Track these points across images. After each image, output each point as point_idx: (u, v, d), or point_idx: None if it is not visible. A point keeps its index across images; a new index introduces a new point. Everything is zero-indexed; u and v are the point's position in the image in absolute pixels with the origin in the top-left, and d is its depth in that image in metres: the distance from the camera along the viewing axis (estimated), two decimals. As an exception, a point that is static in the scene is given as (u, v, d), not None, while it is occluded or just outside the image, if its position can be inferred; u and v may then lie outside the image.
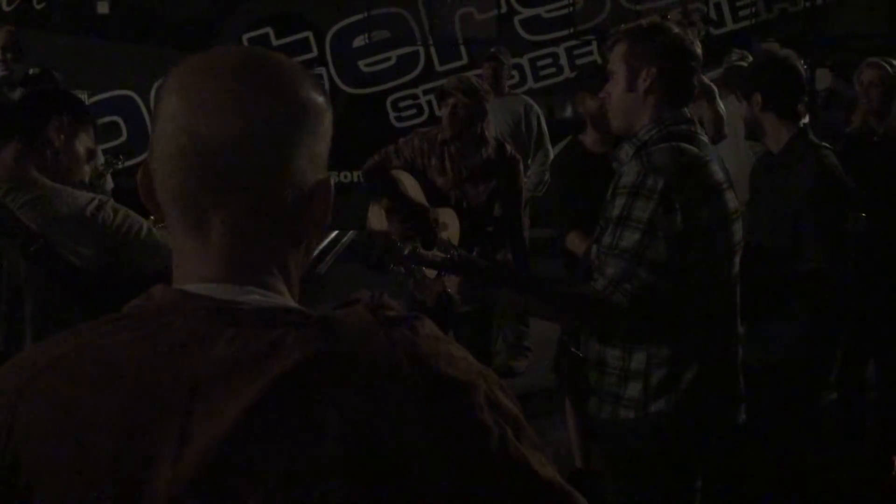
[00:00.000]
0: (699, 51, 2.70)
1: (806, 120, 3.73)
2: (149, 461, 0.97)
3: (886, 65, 4.61)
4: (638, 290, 2.48)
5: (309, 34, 9.63)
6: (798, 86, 3.70)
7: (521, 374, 6.44)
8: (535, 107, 6.94)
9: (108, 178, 6.18)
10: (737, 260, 2.70)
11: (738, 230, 2.67)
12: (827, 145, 3.75)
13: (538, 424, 5.35)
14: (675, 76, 2.64)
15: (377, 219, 4.66)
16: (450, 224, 4.42)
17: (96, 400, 1.00)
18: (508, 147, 4.74)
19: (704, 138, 2.71)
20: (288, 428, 0.96)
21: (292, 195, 1.06)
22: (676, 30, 2.69)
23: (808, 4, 9.17)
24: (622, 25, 2.81)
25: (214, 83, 1.05)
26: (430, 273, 4.43)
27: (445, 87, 4.48)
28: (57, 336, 1.09)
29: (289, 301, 1.09)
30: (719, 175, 2.62)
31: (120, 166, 6.24)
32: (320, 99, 1.10)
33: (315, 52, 9.64)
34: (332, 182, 1.12)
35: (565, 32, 9.39)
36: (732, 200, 2.66)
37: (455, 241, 4.35)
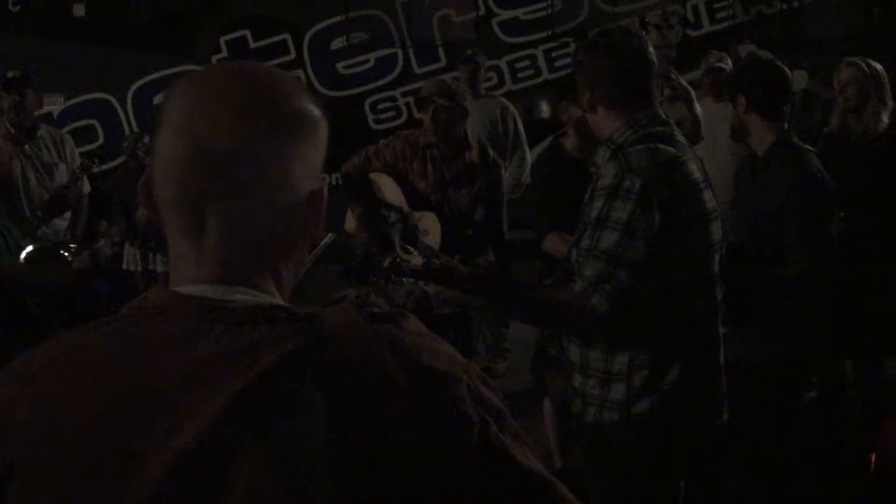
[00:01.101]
0: (651, 56, 2.71)
1: (788, 124, 3.76)
2: (138, 454, 0.99)
3: (864, 65, 4.63)
4: (617, 291, 2.48)
5: (287, 36, 9.61)
6: (783, 88, 3.73)
7: (501, 376, 6.45)
8: (512, 108, 6.95)
9: (85, 180, 6.15)
10: (716, 259, 2.71)
11: (716, 229, 2.68)
12: (810, 147, 3.78)
13: (517, 425, 5.38)
14: (619, 89, 2.66)
15: (355, 222, 4.65)
16: (431, 228, 4.42)
17: (88, 397, 1.04)
18: (491, 151, 4.74)
19: (681, 138, 2.72)
20: (274, 417, 0.98)
21: (287, 202, 1.11)
22: (622, 39, 2.69)
23: (784, 7, 9.22)
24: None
25: (215, 94, 1.10)
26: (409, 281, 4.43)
27: (424, 93, 4.46)
28: (58, 337, 1.13)
29: (278, 301, 1.12)
30: (697, 175, 2.63)
31: (95, 169, 6.20)
32: (316, 111, 1.15)
33: (293, 55, 9.61)
34: (326, 191, 1.16)
35: (543, 35, 9.41)
36: (710, 200, 2.67)
37: (436, 245, 4.35)
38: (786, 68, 3.83)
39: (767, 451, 3.80)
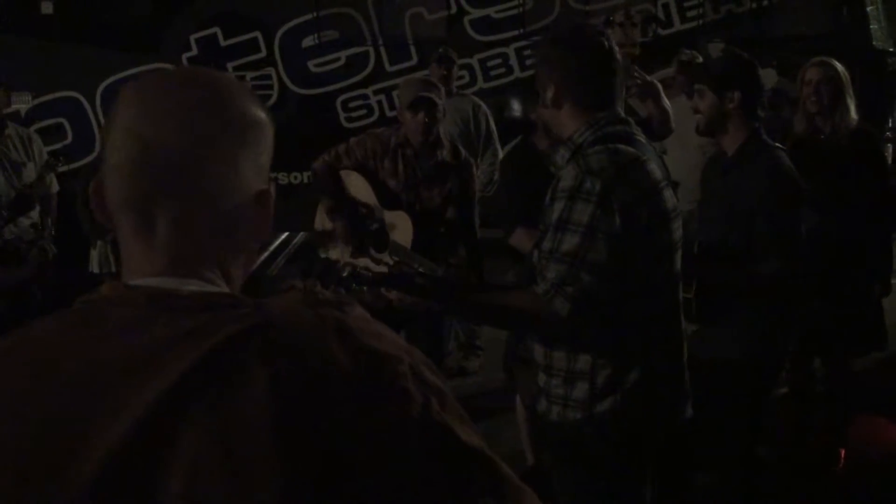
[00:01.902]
0: (617, 54, 2.71)
1: (758, 123, 3.79)
2: (80, 439, 1.01)
3: (832, 63, 4.66)
4: (580, 293, 2.49)
5: (257, 34, 9.55)
6: (760, 86, 3.77)
7: (474, 374, 6.45)
8: (484, 107, 6.96)
9: (54, 180, 6.10)
10: (677, 258, 2.72)
11: (677, 228, 2.70)
12: (780, 146, 3.80)
13: (490, 423, 5.39)
14: (580, 88, 2.66)
15: (325, 221, 4.64)
16: (402, 227, 4.41)
17: (33, 388, 1.07)
18: (462, 150, 4.74)
19: (641, 137, 2.73)
20: (217, 394, 1.01)
21: (236, 202, 1.16)
22: (584, 38, 2.69)
23: (753, 6, 9.27)
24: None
25: (165, 97, 1.15)
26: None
27: (418, 92, 4.41)
28: (9, 333, 1.16)
29: (225, 290, 1.17)
30: (657, 174, 2.64)
31: (61, 168, 6.16)
32: (263, 115, 1.20)
33: (264, 53, 9.56)
34: (274, 192, 1.20)
35: (515, 33, 9.40)
36: (671, 199, 2.68)
37: (407, 243, 4.35)
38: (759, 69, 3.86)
39: (736, 448, 3.82)
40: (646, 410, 2.68)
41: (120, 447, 1.00)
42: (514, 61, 9.60)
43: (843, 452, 4.95)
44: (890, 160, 7.58)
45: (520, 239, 4.17)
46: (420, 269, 4.18)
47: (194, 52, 9.50)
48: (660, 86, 4.22)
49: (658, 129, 4.13)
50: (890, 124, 9.83)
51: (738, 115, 3.67)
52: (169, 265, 1.15)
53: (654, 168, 2.65)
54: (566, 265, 2.49)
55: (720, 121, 3.71)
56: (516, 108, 10.13)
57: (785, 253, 3.52)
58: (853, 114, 4.62)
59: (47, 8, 9.55)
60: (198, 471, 0.99)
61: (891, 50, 10.27)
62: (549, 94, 2.68)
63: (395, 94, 9.38)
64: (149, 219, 1.14)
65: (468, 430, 1.11)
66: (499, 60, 9.40)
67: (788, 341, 3.78)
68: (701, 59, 6.67)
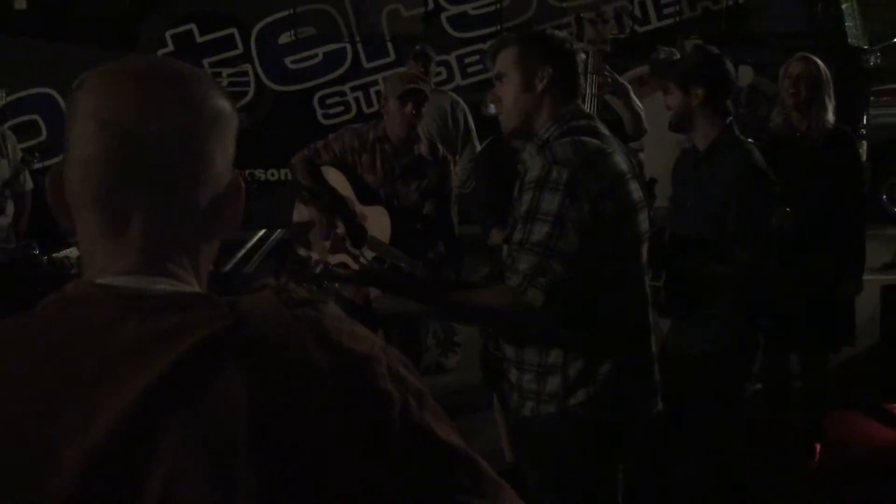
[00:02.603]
0: (582, 54, 2.83)
1: (731, 118, 3.81)
2: (54, 448, 0.99)
3: (815, 60, 4.68)
4: (552, 283, 2.51)
5: (234, 31, 9.50)
6: (731, 82, 3.79)
7: (452, 371, 6.45)
8: (462, 103, 6.95)
9: (28, 177, 6.06)
10: (644, 250, 2.75)
11: (643, 220, 2.73)
12: (752, 141, 3.82)
13: (468, 420, 5.39)
14: (567, 74, 2.73)
15: (303, 216, 4.62)
16: (380, 222, 4.40)
17: (3, 389, 1.03)
18: (440, 146, 4.74)
19: (605, 131, 2.78)
20: (194, 396, 1.00)
21: (210, 194, 1.13)
22: (562, 36, 2.81)
23: (730, 3, 9.30)
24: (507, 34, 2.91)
25: (134, 88, 1.11)
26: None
27: (407, 88, 4.40)
28: None
29: (197, 290, 1.14)
30: (622, 166, 2.68)
31: (35, 165, 6.11)
32: (229, 106, 1.17)
33: (240, 49, 9.52)
34: (242, 182, 1.18)
35: (492, 29, 9.40)
36: (637, 191, 2.72)
37: (385, 239, 4.34)
38: (730, 64, 3.88)
39: (710, 442, 3.84)
40: (617, 402, 2.71)
41: (96, 455, 0.98)
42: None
43: (818, 447, 4.98)
44: (864, 158, 7.64)
45: (497, 240, 4.18)
46: (399, 265, 4.19)
47: (170, 48, 9.45)
48: (629, 87, 4.23)
49: (631, 131, 4.13)
50: (864, 122, 9.89)
51: (706, 109, 3.69)
52: (139, 263, 1.11)
53: (619, 160, 2.69)
54: (537, 256, 2.52)
55: (689, 116, 3.74)
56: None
57: (752, 246, 3.54)
58: (830, 113, 4.64)
59: (20, 4, 9.48)
60: (177, 475, 0.98)
61: (865, 48, 10.33)
62: (541, 80, 2.71)
63: (373, 90, 9.40)
64: (120, 214, 1.10)
65: (447, 428, 1.11)
66: (476, 57, 9.40)
67: (758, 332, 3.80)
68: (678, 57, 6.70)
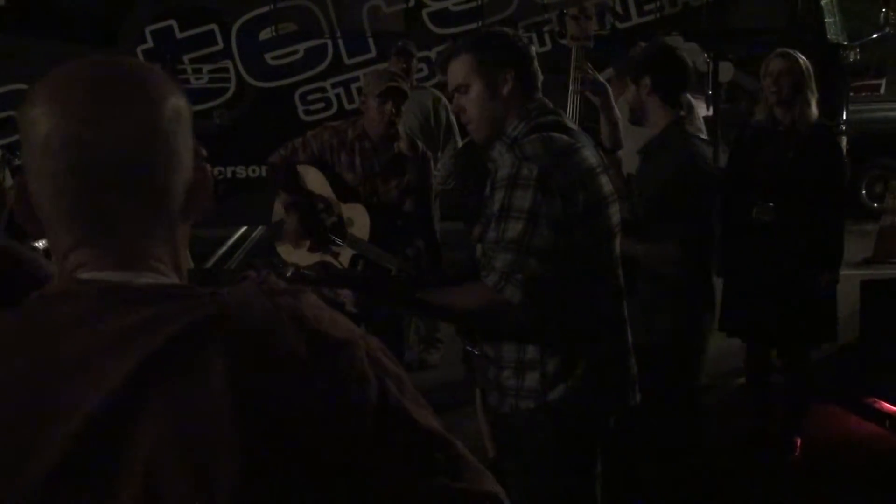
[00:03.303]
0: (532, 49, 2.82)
1: (683, 112, 3.85)
2: (35, 435, 1.01)
3: (796, 56, 4.70)
4: (529, 279, 2.52)
5: (214, 27, 9.46)
6: (684, 76, 3.82)
7: (434, 367, 6.45)
8: (444, 99, 6.94)
9: (8, 174, 6.02)
10: (616, 243, 2.77)
11: (615, 213, 2.75)
12: (702, 136, 3.87)
13: (450, 416, 5.38)
14: (527, 71, 2.74)
15: (282, 214, 4.61)
16: (359, 220, 4.39)
17: None
18: (419, 143, 4.73)
19: (573, 126, 2.78)
20: (176, 381, 1.02)
21: (181, 188, 1.15)
22: (511, 32, 2.81)
23: (710, -1, 9.34)
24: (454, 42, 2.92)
25: (93, 94, 1.11)
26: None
27: (388, 86, 4.39)
28: None
29: (176, 280, 1.16)
30: (592, 160, 2.70)
31: (17, 163, 6.07)
32: (185, 100, 1.18)
33: (220, 45, 9.47)
34: (209, 171, 1.20)
35: (473, 26, 9.39)
36: (607, 184, 2.73)
37: (365, 236, 4.33)
38: (686, 58, 3.91)
39: (664, 437, 3.85)
40: (596, 395, 2.72)
41: (77, 441, 1.00)
42: (472, 54, 9.58)
43: (798, 441, 5.01)
44: (844, 153, 7.68)
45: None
46: (379, 262, 4.18)
47: (150, 44, 9.40)
48: (609, 88, 4.19)
49: (607, 141, 4.09)
50: (844, 117, 9.94)
51: (654, 101, 3.74)
52: (121, 261, 1.12)
53: (589, 154, 2.71)
54: (513, 253, 2.53)
55: (641, 108, 3.78)
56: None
57: (684, 238, 3.57)
58: (813, 108, 4.66)
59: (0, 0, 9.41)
60: (157, 460, 0.99)
61: (845, 44, 10.38)
62: (505, 84, 2.69)
63: (354, 86, 9.37)
64: (98, 221, 1.11)
65: (425, 413, 1.13)
66: (458, 53, 9.38)
67: (698, 327, 3.81)
68: None
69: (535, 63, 2.78)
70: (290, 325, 1.07)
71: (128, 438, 1.00)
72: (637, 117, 3.87)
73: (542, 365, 2.66)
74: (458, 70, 2.73)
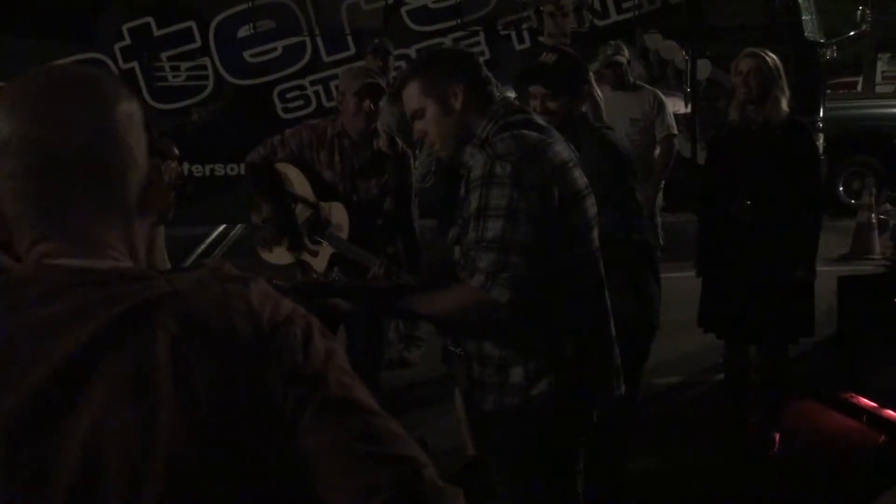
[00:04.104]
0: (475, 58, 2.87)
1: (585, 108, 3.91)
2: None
3: (764, 55, 4.73)
4: (515, 277, 2.52)
5: (192, 24, 9.42)
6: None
7: (414, 365, 6.45)
8: (423, 97, 6.93)
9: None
10: (594, 235, 2.77)
11: (590, 206, 2.76)
12: (606, 126, 3.97)
13: (430, 413, 5.39)
14: (476, 79, 2.75)
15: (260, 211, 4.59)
16: (339, 218, 4.38)
17: None
18: (399, 141, 4.72)
19: (542, 122, 2.79)
20: (125, 350, 1.13)
21: (136, 183, 1.25)
22: (450, 47, 2.83)
23: (689, -4, 9.37)
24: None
25: (49, 99, 1.21)
26: (320, 265, 4.39)
27: (365, 83, 4.38)
28: None
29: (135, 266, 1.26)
30: (564, 154, 2.70)
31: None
32: (135, 102, 1.28)
33: (198, 43, 9.43)
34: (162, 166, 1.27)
35: (452, 23, 9.40)
36: (581, 178, 2.74)
37: (344, 235, 4.32)
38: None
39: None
40: (580, 390, 2.73)
41: (37, 391, 1.12)
42: (451, 52, 9.57)
43: (777, 436, 5.04)
44: (821, 150, 7.74)
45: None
46: (359, 260, 4.17)
47: (127, 41, 9.35)
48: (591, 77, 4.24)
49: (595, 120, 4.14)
50: (820, 114, 10.00)
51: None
52: (81, 251, 1.21)
53: (560, 149, 2.71)
54: (495, 252, 2.53)
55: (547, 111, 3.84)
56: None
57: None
58: (784, 105, 4.70)
59: (-25, -3, 9.34)
60: (104, 419, 1.11)
61: (822, 42, 10.45)
62: (456, 98, 2.71)
63: (333, 84, 9.35)
64: (56, 216, 1.21)
65: (355, 384, 1.22)
66: (437, 51, 9.38)
67: (634, 313, 3.82)
68: (626, 52, 6.77)
69: (483, 69, 2.79)
70: (236, 310, 1.17)
71: (82, 393, 1.12)
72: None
73: (525, 361, 2.67)
74: (410, 97, 2.77)
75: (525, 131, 2.65)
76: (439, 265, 2.97)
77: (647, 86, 7.12)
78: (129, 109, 1.25)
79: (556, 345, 2.67)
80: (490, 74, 2.80)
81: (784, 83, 4.73)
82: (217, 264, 1.25)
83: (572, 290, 2.69)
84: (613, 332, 2.85)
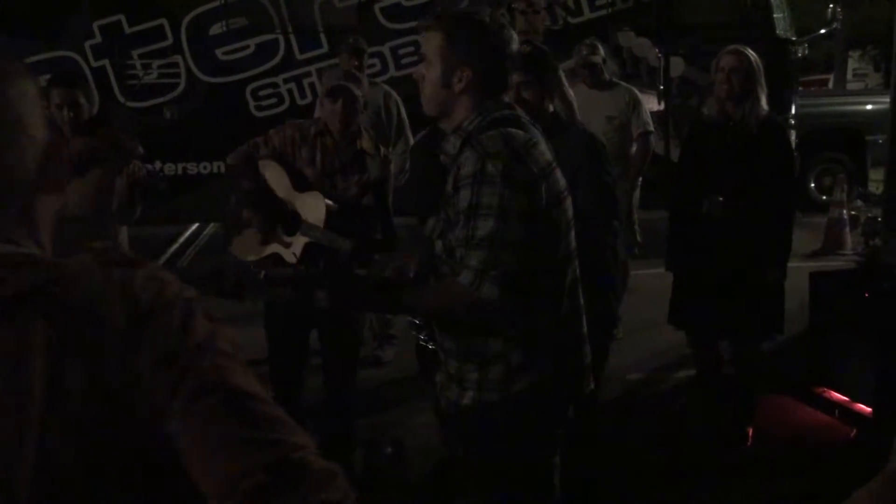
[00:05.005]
0: (515, 46, 2.72)
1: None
2: None
3: (746, 52, 4.76)
4: (505, 275, 2.53)
5: (163, 21, 9.36)
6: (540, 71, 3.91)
7: (388, 363, 6.44)
8: (395, 95, 6.93)
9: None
10: (572, 235, 2.77)
11: (569, 207, 2.77)
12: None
13: (404, 412, 5.38)
14: (489, 75, 2.69)
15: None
16: (315, 206, 4.36)
17: None
18: (380, 146, 4.73)
19: (527, 120, 2.78)
20: (3, 339, 1.13)
21: (32, 158, 1.24)
22: (494, 25, 2.70)
23: (661, -6, 9.40)
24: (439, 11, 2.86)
25: None
26: (292, 256, 4.38)
27: (334, 84, 4.38)
28: None
29: (29, 251, 1.24)
30: (548, 155, 2.71)
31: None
32: (30, 80, 1.28)
33: (170, 40, 9.38)
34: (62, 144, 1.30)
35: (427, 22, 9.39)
36: (561, 179, 2.75)
37: (320, 222, 4.31)
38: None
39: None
40: (557, 385, 2.74)
41: None
42: (425, 49, 9.57)
43: (750, 431, 5.07)
44: (793, 147, 7.78)
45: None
46: (332, 246, 4.16)
47: (98, 39, 9.29)
48: (563, 76, 4.24)
49: (566, 118, 4.14)
50: (792, 112, 10.07)
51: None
52: None
53: (545, 149, 2.72)
54: (486, 250, 2.53)
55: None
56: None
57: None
58: (763, 104, 4.73)
59: (-56, -6, 9.24)
60: None
61: (793, 39, 10.52)
62: (459, 81, 2.67)
63: (306, 81, 9.33)
64: None
65: (234, 365, 1.21)
66: (410, 48, 9.38)
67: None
68: (602, 51, 6.79)
69: (506, 66, 2.71)
70: (116, 295, 1.17)
71: None
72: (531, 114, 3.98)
73: (506, 357, 2.67)
74: (427, 41, 2.73)
75: (512, 130, 2.64)
76: (419, 258, 2.96)
77: (622, 83, 7.13)
78: (23, 87, 1.25)
79: (535, 342, 2.68)
80: (513, 75, 2.74)
81: (763, 81, 4.76)
82: (108, 246, 1.24)
83: (553, 288, 2.70)
84: (585, 329, 2.86)
